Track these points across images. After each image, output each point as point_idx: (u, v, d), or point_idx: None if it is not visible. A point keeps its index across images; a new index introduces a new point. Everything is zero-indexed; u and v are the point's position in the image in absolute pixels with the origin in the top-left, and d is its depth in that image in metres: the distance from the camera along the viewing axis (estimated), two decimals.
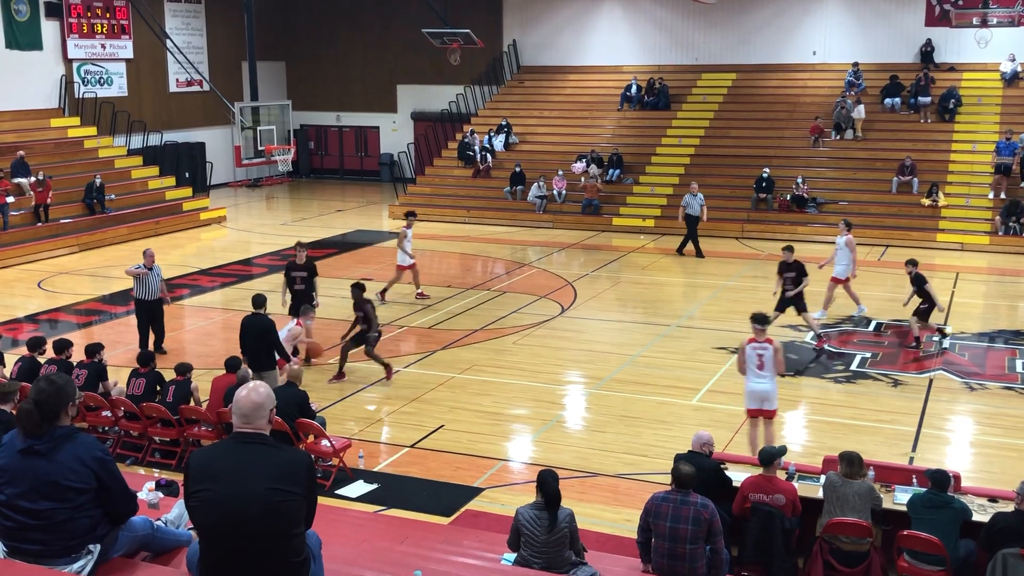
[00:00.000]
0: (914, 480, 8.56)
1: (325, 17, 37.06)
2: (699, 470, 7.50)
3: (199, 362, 13.77)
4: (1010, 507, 7.77)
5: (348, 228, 27.52)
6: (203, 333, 17.22)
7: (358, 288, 14.06)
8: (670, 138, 29.86)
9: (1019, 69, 28.27)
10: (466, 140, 31.28)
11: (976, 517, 7.93)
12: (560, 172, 28.66)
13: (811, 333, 16.03)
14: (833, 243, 17.69)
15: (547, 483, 6.95)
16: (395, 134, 37.44)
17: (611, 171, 28.67)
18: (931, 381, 14.11)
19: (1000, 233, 23.84)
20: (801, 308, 15.70)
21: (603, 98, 32.47)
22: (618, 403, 12.82)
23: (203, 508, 4.33)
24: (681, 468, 7.27)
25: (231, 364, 11.48)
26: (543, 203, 28.02)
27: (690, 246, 23.27)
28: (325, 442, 10.60)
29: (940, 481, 7.94)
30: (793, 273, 15.67)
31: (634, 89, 31.57)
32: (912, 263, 15.91)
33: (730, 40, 32.05)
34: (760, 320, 10.95)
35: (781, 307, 15.74)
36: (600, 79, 33.31)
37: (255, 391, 4.45)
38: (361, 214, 30.48)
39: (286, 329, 13.24)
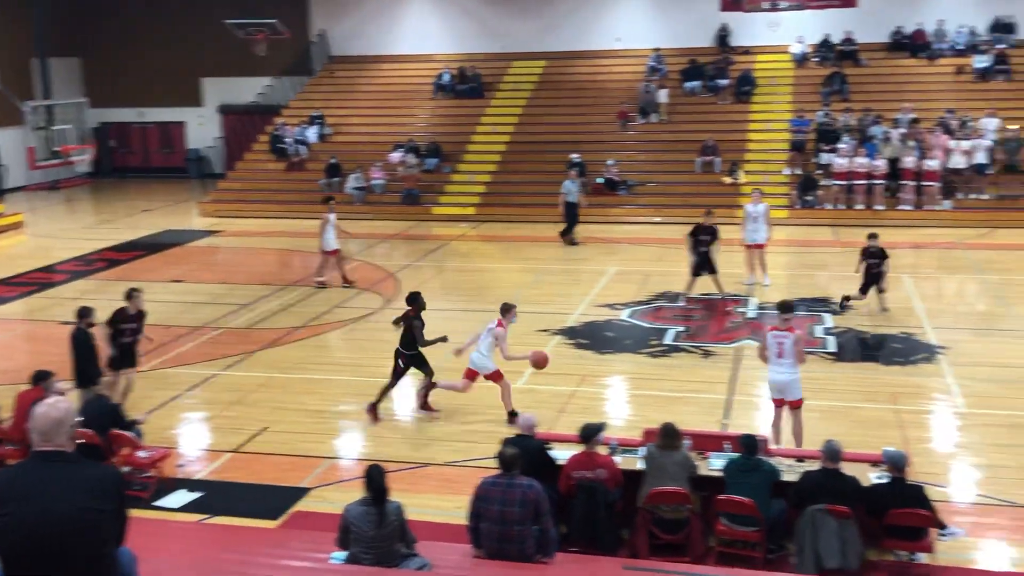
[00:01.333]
0: (727, 446, 8.96)
1: (122, 9, 35.44)
2: (524, 452, 7.62)
3: (1, 377, 12.95)
4: (816, 466, 8.26)
5: (157, 229, 26.44)
6: (5, 346, 16.22)
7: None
8: (484, 126, 30.11)
9: (807, 50, 29.95)
10: (277, 133, 30.59)
11: (785, 477, 8.38)
12: (377, 163, 28.44)
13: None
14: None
15: (373, 478, 6.91)
16: (202, 129, 36.25)
17: (428, 160, 28.66)
18: (739, 350, 14.81)
19: (797, 206, 25.22)
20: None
21: (416, 87, 32.39)
22: (446, 392, 12.85)
23: (5, 533, 4.09)
24: (505, 451, 7.37)
25: (38, 376, 10.84)
26: (362, 194, 27.74)
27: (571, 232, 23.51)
28: (141, 453, 10.19)
29: (750, 445, 8.35)
30: (708, 237, 16.97)
31: (447, 78, 31.64)
32: (872, 236, 16.64)
33: (538, 27, 32.55)
34: (785, 308, 10.83)
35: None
36: (412, 68, 33.21)
37: (54, 407, 4.23)
38: (170, 213, 29.32)
39: (486, 331, 12.12)
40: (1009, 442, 11.16)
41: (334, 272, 19.15)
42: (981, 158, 24.56)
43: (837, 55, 29.73)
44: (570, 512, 8.33)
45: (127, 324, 12.39)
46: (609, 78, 31.31)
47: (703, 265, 17.14)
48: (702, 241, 17.14)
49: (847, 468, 8.13)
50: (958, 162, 24.68)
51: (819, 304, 17.24)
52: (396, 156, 28.57)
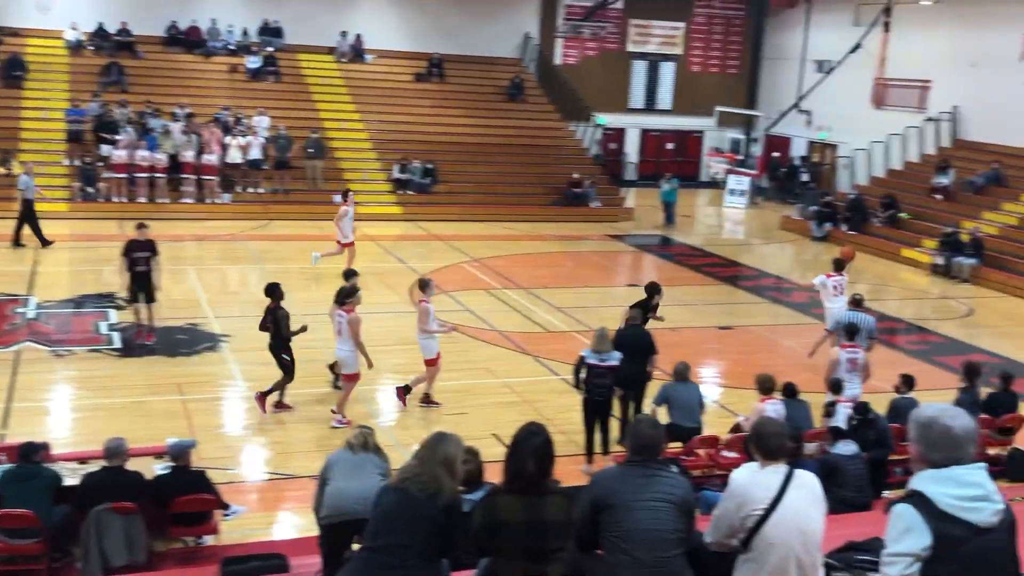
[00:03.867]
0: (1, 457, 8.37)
1: None
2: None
3: None
4: (99, 466, 8.10)
5: None
6: None
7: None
8: None
9: (82, 38, 28.89)
10: None
11: (68, 481, 8.09)
12: None
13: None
14: None
15: None
16: None
17: None
18: (18, 354, 13.88)
19: (78, 199, 24.29)
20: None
21: None
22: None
23: None
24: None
25: None
26: None
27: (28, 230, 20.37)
28: None
29: (25, 453, 7.91)
30: (147, 253, 14.84)
31: None
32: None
33: None
34: (347, 294, 11.87)
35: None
36: None
37: None
38: None
39: None
40: (291, 420, 12.10)
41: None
42: (256, 154, 26.09)
43: (114, 45, 29.16)
44: None
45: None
46: None
47: (142, 287, 14.94)
48: (138, 260, 14.81)
49: (133, 464, 8.12)
50: (235, 157, 25.92)
51: (105, 300, 16.83)
52: None
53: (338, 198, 20.76)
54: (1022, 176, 25.55)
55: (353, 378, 12.03)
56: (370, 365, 11.94)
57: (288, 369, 12.18)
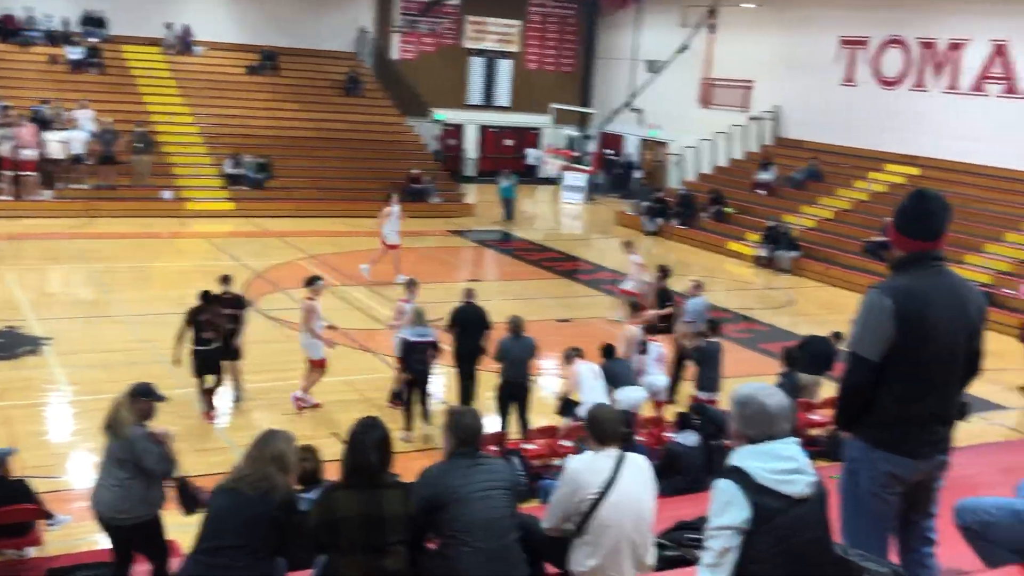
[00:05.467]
0: None
1: None
2: None
3: None
4: None
5: None
6: None
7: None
8: None
9: None
10: None
11: None
12: None
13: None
14: None
15: None
16: None
17: None
18: None
19: None
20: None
21: None
22: None
23: None
24: None
25: None
26: None
27: None
28: None
29: None
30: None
31: None
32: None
33: None
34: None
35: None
36: None
37: None
38: None
39: None
40: None
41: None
42: (78, 148, 24.92)
43: None
44: None
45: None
46: None
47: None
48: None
49: None
50: (55, 151, 24.68)
51: None
52: None
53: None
54: (838, 172, 27.06)
55: (318, 364, 12.38)
56: (331, 346, 12.53)
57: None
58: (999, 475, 5.18)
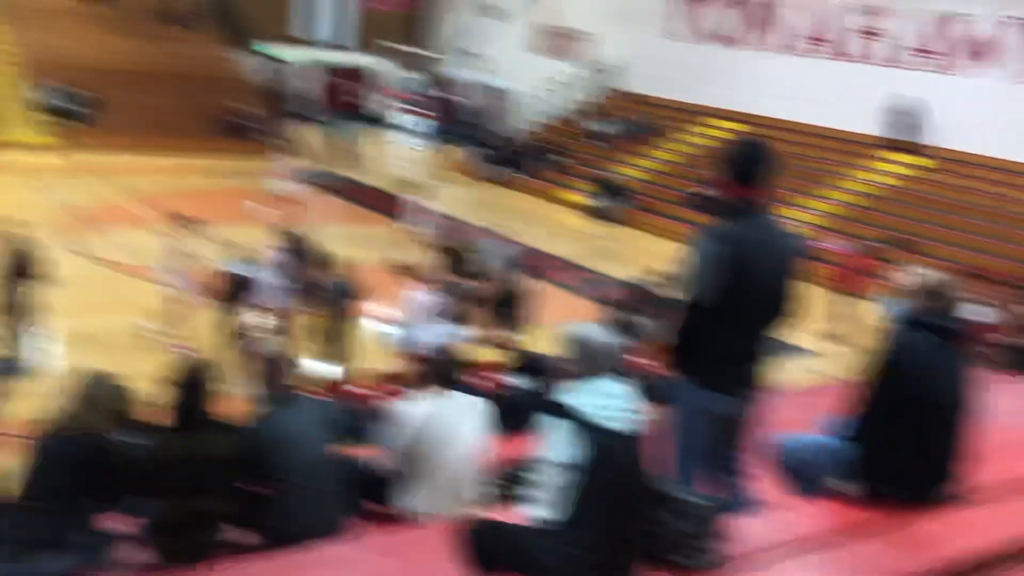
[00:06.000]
0: None
1: None
2: None
3: None
4: None
5: None
6: None
7: None
8: None
9: None
10: None
11: None
12: None
13: None
14: None
15: None
16: None
17: None
18: None
19: None
20: None
21: None
22: None
23: None
24: None
25: None
26: None
27: None
28: None
29: None
30: None
31: None
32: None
33: None
34: None
35: None
36: None
37: None
38: None
39: None
40: None
41: None
42: None
43: None
44: None
45: None
46: None
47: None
48: None
49: None
50: None
51: None
52: None
53: None
54: (669, 125, 27.76)
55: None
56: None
57: None
58: (807, 415, 5.50)
